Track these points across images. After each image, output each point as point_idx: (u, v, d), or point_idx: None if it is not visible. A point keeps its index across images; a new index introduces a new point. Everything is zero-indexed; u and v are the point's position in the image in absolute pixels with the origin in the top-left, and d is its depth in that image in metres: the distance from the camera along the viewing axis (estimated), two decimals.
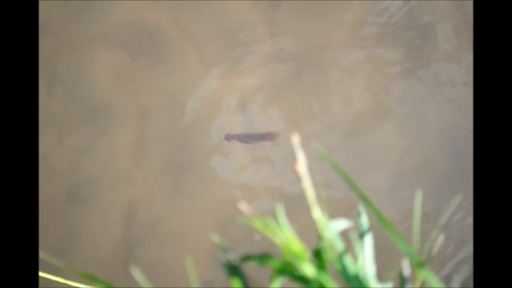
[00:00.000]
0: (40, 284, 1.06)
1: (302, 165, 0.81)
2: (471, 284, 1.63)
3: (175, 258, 1.94)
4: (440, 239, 1.45)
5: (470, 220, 1.78)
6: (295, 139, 0.85)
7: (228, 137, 2.08)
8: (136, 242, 1.98)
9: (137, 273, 1.93)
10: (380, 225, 0.87)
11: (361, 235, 0.89)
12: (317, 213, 0.76)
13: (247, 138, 2.08)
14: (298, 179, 0.81)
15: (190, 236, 1.96)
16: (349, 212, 1.92)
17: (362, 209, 0.90)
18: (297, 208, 1.92)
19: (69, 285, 1.20)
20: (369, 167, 2.00)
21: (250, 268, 0.90)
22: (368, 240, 0.89)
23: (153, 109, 2.14)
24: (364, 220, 0.89)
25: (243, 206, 0.75)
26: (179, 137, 2.10)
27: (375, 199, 1.93)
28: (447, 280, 1.80)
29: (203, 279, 1.88)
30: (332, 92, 2.09)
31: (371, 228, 0.90)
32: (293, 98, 2.10)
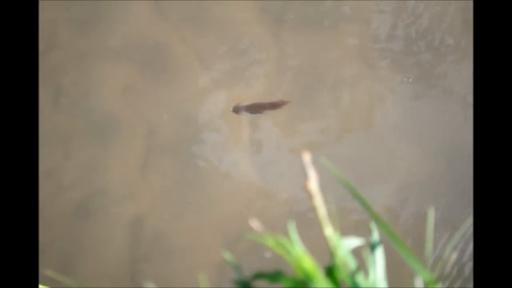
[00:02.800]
0: None
1: (313, 183, 0.81)
2: (471, 284, 1.61)
3: (181, 273, 1.93)
4: (453, 257, 1.43)
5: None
6: (306, 157, 0.85)
7: (237, 109, 2.04)
8: (142, 257, 1.98)
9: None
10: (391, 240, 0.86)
11: (373, 252, 0.88)
12: (329, 231, 0.76)
13: (255, 109, 2.04)
14: (309, 196, 0.81)
15: (197, 251, 1.96)
16: (358, 226, 1.91)
17: (373, 226, 0.89)
18: (308, 223, 1.91)
19: None
20: (374, 180, 2.00)
21: (261, 285, 0.89)
22: (380, 257, 0.88)
23: (160, 124, 2.15)
24: (376, 237, 0.89)
25: (254, 223, 0.75)
26: (186, 152, 2.10)
27: (381, 212, 1.93)
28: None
29: None
30: (337, 105, 2.09)
31: (381, 242, 0.90)
32: (300, 112, 2.10)
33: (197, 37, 2.23)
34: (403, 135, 2.05)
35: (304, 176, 0.82)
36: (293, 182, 2.01)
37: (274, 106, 2.06)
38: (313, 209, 1.95)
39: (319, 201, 0.77)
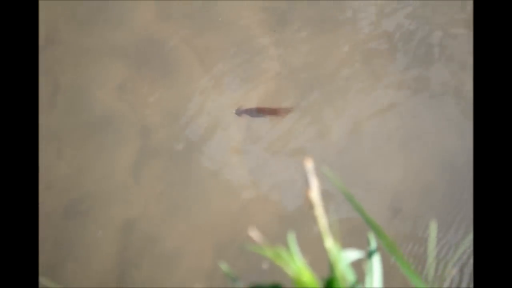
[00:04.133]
0: None
1: (315, 192, 0.79)
2: (471, 284, 1.60)
3: (171, 279, 1.90)
4: (453, 272, 1.42)
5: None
6: (308, 164, 0.83)
7: (239, 112, 2.03)
8: (131, 262, 1.95)
9: None
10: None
11: (370, 261, 0.87)
12: (329, 243, 0.74)
13: (258, 113, 2.02)
14: (310, 206, 0.79)
15: (188, 256, 1.93)
16: (353, 233, 1.89)
17: (372, 237, 0.88)
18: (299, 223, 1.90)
19: None
20: (368, 187, 1.99)
21: None
22: (377, 266, 0.87)
23: (155, 125, 2.12)
24: (374, 248, 0.87)
25: (253, 233, 0.73)
26: (181, 154, 2.07)
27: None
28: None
29: None
30: (337, 107, 2.08)
31: (379, 251, 0.89)
32: (299, 115, 2.09)
33: (198, 37, 2.21)
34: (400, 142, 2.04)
35: (306, 184, 0.81)
36: (289, 187, 1.99)
37: (276, 112, 2.04)
38: (304, 212, 1.93)
39: (320, 211, 0.75)
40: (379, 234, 0.85)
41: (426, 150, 2.00)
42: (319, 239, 0.79)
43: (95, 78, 2.21)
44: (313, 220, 0.78)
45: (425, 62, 2.11)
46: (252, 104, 2.10)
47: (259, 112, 2.04)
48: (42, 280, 1.85)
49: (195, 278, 1.88)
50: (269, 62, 2.16)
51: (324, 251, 0.76)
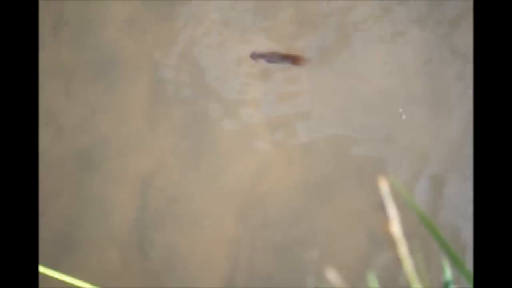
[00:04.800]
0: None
1: (396, 224, 0.68)
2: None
3: (192, 244, 1.83)
4: None
5: None
6: (384, 185, 0.72)
7: (254, 56, 1.95)
8: (151, 223, 1.87)
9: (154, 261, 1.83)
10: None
11: None
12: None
13: (274, 58, 1.95)
14: (390, 242, 0.69)
15: (209, 221, 1.85)
16: None
17: (446, 264, 0.79)
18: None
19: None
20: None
21: None
22: None
23: (170, 69, 1.97)
24: (449, 276, 0.78)
25: (331, 275, 0.63)
26: (198, 103, 1.94)
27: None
28: None
29: (223, 275, 1.78)
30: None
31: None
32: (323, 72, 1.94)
33: None
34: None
35: (382, 211, 0.70)
36: (311, 147, 1.88)
37: (294, 60, 1.94)
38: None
39: (404, 250, 0.65)
40: (456, 263, 0.76)
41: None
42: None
43: (102, 10, 2.04)
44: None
45: None
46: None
47: (276, 57, 1.95)
48: (53, 251, 1.78)
49: (215, 247, 1.80)
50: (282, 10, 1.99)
51: None
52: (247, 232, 1.80)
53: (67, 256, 1.83)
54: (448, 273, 0.77)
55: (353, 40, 1.96)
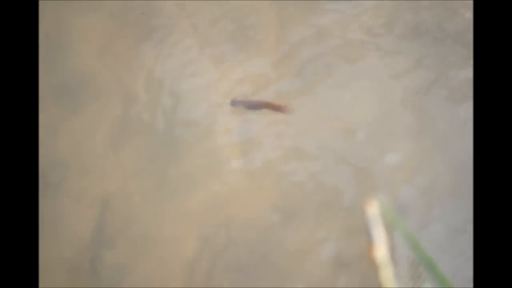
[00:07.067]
0: None
1: (382, 248, 0.67)
2: (471, 284, 1.57)
3: (146, 264, 1.77)
4: None
5: None
6: (371, 210, 0.71)
7: (234, 102, 1.88)
8: (106, 242, 1.81)
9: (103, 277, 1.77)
10: None
11: None
12: None
13: (254, 105, 1.88)
14: (373, 266, 0.68)
15: (168, 242, 1.80)
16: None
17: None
18: None
19: None
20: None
21: None
22: None
23: (139, 94, 1.95)
24: None
25: None
26: (165, 128, 1.91)
27: None
28: None
29: None
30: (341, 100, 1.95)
31: None
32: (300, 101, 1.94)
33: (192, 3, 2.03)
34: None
35: (368, 235, 0.69)
36: (283, 173, 1.86)
37: (275, 108, 1.88)
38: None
39: (388, 274, 0.64)
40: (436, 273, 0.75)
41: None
42: None
43: (75, 33, 2.02)
44: None
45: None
46: (244, 80, 1.95)
47: (256, 105, 1.88)
48: None
49: (172, 267, 1.76)
50: (269, 34, 2.00)
51: None
52: (207, 253, 1.76)
53: None
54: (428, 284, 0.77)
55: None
